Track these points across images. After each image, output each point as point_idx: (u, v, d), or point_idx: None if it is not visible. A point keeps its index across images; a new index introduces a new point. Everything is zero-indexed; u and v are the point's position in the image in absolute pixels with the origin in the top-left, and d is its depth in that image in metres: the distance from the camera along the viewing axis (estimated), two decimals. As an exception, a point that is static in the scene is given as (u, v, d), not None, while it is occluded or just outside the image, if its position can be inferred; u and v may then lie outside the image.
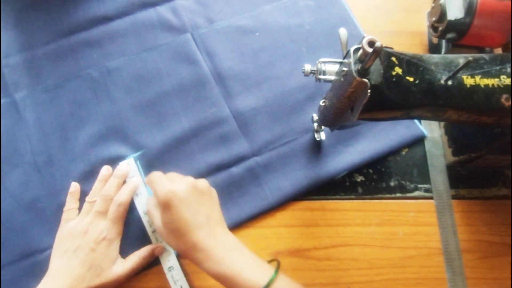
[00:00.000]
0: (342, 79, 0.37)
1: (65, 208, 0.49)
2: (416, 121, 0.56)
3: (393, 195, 0.53)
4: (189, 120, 0.55)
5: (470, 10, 0.49)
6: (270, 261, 0.41)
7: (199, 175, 0.51)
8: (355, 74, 0.34)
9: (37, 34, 0.59)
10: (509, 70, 0.38)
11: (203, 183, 0.44)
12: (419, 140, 0.55)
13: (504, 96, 0.37)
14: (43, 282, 0.43)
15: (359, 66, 0.34)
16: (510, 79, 0.37)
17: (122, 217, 0.47)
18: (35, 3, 0.61)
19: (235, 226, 0.50)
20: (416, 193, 0.53)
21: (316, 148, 0.54)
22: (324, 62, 0.42)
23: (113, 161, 0.52)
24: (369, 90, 0.34)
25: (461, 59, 0.38)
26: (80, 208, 0.49)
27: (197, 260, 0.40)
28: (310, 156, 0.53)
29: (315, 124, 0.52)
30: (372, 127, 0.55)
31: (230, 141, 0.54)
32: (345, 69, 0.36)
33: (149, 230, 0.49)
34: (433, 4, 0.54)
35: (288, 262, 0.49)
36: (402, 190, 0.53)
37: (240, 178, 0.52)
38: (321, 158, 0.53)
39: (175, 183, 0.42)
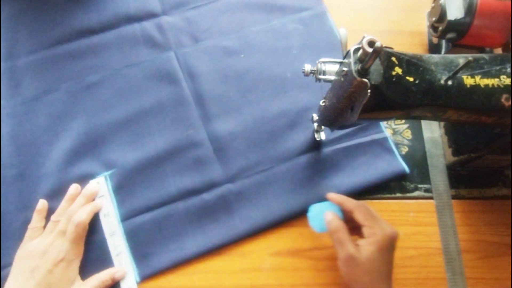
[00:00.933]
0: (342, 79, 0.37)
1: (30, 226, 0.47)
2: (398, 156, 0.54)
3: (393, 195, 0.53)
4: (164, 141, 0.53)
5: (470, 10, 0.49)
6: None
7: (170, 198, 0.50)
8: (355, 74, 0.34)
9: (20, 44, 0.59)
10: (509, 70, 0.38)
11: None
12: (401, 175, 0.53)
13: (504, 96, 0.37)
14: None
15: (359, 66, 0.34)
16: (510, 79, 0.37)
17: (81, 237, 0.46)
18: (20, 12, 0.61)
19: (202, 254, 0.48)
20: (416, 193, 0.53)
21: (291, 178, 0.52)
22: (324, 62, 0.42)
23: (84, 179, 0.51)
24: (369, 90, 0.34)
25: (461, 59, 0.38)
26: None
27: None
28: (284, 187, 0.51)
29: (315, 124, 0.52)
30: (352, 161, 0.53)
31: (204, 166, 0.52)
32: (345, 69, 0.36)
33: (113, 253, 0.48)
34: (433, 4, 0.54)
35: (288, 262, 0.49)
36: (402, 190, 0.53)
37: (211, 205, 0.50)
38: (296, 189, 0.51)
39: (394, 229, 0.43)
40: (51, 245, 0.45)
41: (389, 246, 0.41)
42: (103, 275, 0.46)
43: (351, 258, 0.40)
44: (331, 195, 0.46)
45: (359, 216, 0.43)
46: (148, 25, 0.61)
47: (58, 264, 0.43)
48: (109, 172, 0.52)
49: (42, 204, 0.49)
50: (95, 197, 0.50)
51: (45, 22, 0.60)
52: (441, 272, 0.49)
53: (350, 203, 0.44)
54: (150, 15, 0.62)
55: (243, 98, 0.56)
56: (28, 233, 0.47)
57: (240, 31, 0.61)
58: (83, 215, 0.46)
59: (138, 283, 0.47)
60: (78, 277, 0.45)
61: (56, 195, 0.50)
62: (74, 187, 0.50)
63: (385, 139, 0.55)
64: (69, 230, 0.45)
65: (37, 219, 0.48)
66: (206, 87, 0.57)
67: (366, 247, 0.41)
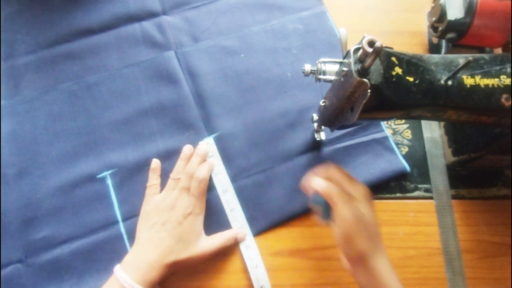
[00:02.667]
0: (342, 79, 0.37)
1: (148, 184, 0.50)
2: (399, 155, 0.54)
3: (393, 195, 0.53)
4: (165, 141, 0.54)
5: (470, 10, 0.49)
6: None
7: None
8: (355, 74, 0.34)
9: (19, 43, 0.59)
10: (509, 70, 0.38)
11: None
12: (402, 174, 0.53)
13: (504, 96, 0.37)
14: (132, 253, 0.44)
15: (359, 66, 0.34)
16: (510, 79, 0.37)
17: (204, 193, 0.49)
18: (20, 12, 0.61)
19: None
20: (416, 193, 0.53)
21: (291, 178, 0.52)
22: (324, 62, 0.42)
23: (84, 178, 0.51)
24: (369, 90, 0.34)
25: (461, 59, 0.38)
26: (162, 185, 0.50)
27: (377, 269, 0.38)
28: (284, 187, 0.51)
29: (315, 124, 0.52)
30: (352, 160, 0.53)
31: None
32: (345, 69, 0.36)
33: (227, 208, 0.50)
34: (433, 4, 0.54)
35: (288, 262, 0.49)
36: (402, 190, 0.53)
37: (212, 205, 0.50)
38: (296, 189, 0.50)
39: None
40: (177, 200, 0.47)
41: (368, 200, 0.41)
42: (227, 235, 0.48)
43: (358, 215, 0.39)
44: (303, 185, 0.45)
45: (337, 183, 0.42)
46: (148, 25, 0.61)
47: (187, 217, 0.46)
48: (109, 172, 0.52)
49: (156, 163, 0.51)
50: (207, 156, 0.52)
51: (45, 22, 0.60)
52: (441, 272, 0.49)
53: (320, 180, 0.43)
54: (150, 15, 0.62)
55: (243, 98, 0.56)
56: (148, 191, 0.50)
57: (240, 31, 0.61)
58: (204, 172, 0.49)
59: None
60: (203, 232, 0.48)
61: (56, 194, 0.50)
62: (188, 148, 0.52)
63: (385, 138, 0.55)
64: (193, 186, 0.48)
65: (153, 177, 0.50)
66: (206, 86, 0.57)
67: (346, 206, 0.39)
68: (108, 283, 0.42)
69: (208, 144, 0.53)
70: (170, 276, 0.45)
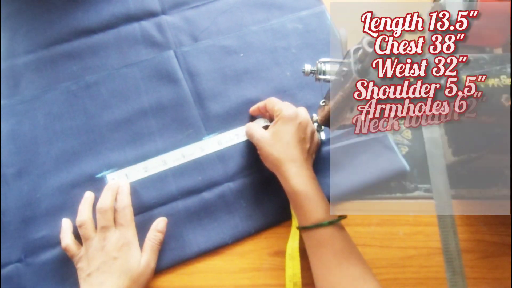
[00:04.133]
0: (342, 79, 0.37)
1: (64, 246, 0.46)
2: (398, 153, 0.54)
3: (393, 195, 0.53)
4: (164, 140, 0.54)
5: (470, 10, 0.49)
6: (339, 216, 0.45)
7: (170, 197, 0.51)
8: (355, 74, 0.34)
9: (18, 43, 0.59)
10: (509, 70, 0.38)
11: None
12: (401, 173, 0.53)
13: (504, 96, 0.37)
14: None
15: (359, 66, 0.34)
16: (510, 79, 0.37)
17: (132, 218, 0.47)
18: (19, 12, 0.61)
19: (202, 254, 0.49)
20: (416, 193, 0.53)
21: None
22: (324, 62, 0.42)
23: (83, 178, 0.51)
24: (369, 90, 0.34)
25: (461, 59, 0.38)
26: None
27: (288, 172, 0.45)
28: None
29: (315, 124, 0.52)
30: (352, 159, 0.53)
31: (204, 165, 0.53)
32: (345, 69, 0.36)
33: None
34: (433, 4, 0.54)
35: (288, 262, 0.49)
36: (402, 190, 0.53)
37: (212, 204, 0.51)
38: None
39: (301, 110, 0.49)
40: (104, 240, 0.45)
41: (290, 120, 0.47)
42: (151, 234, 0.48)
43: (259, 139, 0.48)
44: (251, 111, 0.55)
45: (268, 109, 0.51)
46: (148, 25, 0.61)
47: (121, 248, 0.45)
48: (108, 172, 0.52)
49: (66, 222, 0.48)
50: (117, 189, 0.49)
51: (44, 21, 0.60)
52: (441, 272, 0.49)
53: (261, 103, 0.53)
54: (150, 15, 0.61)
55: (243, 97, 0.56)
56: (69, 254, 0.46)
57: (239, 31, 0.61)
58: (125, 200, 0.48)
59: None
60: (140, 251, 0.46)
61: (55, 193, 0.50)
62: (89, 193, 0.49)
63: (385, 137, 0.55)
64: (119, 217, 0.46)
65: (68, 237, 0.47)
66: (205, 86, 0.57)
67: (270, 127, 0.49)
68: None
69: (115, 179, 0.51)
70: (169, 276, 0.45)
